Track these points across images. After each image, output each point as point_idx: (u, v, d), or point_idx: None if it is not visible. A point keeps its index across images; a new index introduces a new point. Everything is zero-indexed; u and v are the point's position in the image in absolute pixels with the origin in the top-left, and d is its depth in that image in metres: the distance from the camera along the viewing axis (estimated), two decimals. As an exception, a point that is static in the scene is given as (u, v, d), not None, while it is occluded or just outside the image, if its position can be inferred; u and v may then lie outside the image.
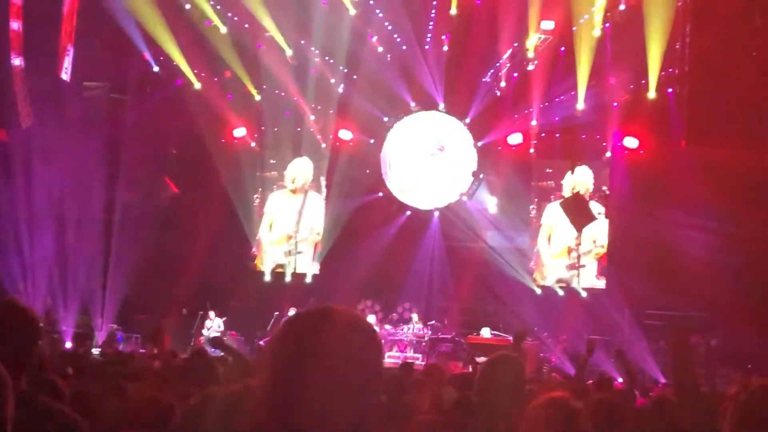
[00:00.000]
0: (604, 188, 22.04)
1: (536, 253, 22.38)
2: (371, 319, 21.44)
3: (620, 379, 17.22)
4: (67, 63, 19.81)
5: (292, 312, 19.77)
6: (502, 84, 22.54)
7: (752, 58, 19.89)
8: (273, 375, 1.85)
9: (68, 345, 18.66)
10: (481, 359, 19.04)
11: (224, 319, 20.83)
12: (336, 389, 1.79)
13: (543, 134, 22.55)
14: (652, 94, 20.94)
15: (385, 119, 23.16)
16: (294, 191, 23.25)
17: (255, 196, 23.41)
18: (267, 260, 23.14)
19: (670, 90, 21.05)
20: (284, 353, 1.84)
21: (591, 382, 12.84)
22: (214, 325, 20.67)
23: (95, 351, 17.56)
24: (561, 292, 22.00)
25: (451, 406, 6.05)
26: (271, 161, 23.54)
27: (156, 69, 22.38)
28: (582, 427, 3.62)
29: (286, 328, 1.91)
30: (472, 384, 8.66)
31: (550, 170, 22.82)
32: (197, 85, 22.46)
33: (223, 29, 22.00)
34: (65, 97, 20.16)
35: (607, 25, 21.03)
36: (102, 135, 21.32)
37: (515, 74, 22.52)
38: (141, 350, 18.74)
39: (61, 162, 20.31)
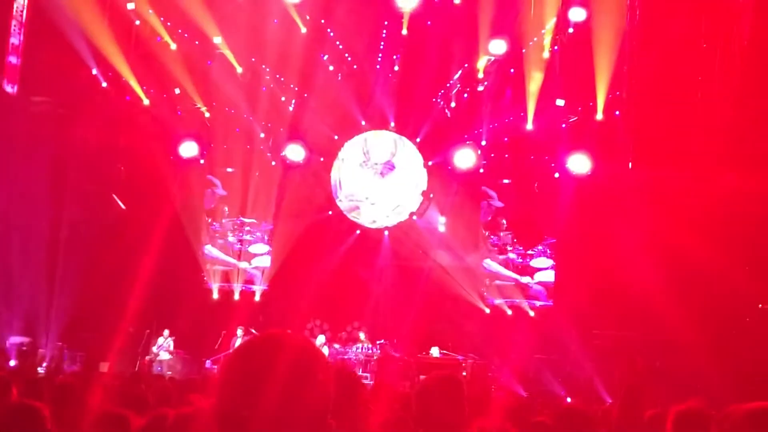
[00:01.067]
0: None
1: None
2: (320, 338, 21.38)
3: (568, 399, 17.39)
4: (13, 77, 19.56)
5: (239, 331, 19.69)
6: (452, 104, 22.69)
7: (698, 82, 20.25)
8: (224, 400, 1.86)
9: (12, 363, 18.38)
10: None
11: (173, 338, 20.62)
12: (286, 415, 1.81)
13: (492, 155, 22.68)
14: (599, 116, 21.18)
15: (336, 137, 23.13)
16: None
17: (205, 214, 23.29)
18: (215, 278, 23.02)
19: (617, 112, 21.31)
20: (235, 379, 1.86)
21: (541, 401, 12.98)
22: (164, 344, 20.46)
23: (40, 369, 17.37)
24: (509, 312, 22.12)
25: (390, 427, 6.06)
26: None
27: (104, 84, 22.15)
28: None
29: (237, 355, 1.93)
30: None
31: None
32: (146, 102, 22.30)
33: (173, 46, 21.91)
34: (11, 112, 19.90)
35: (556, 47, 21.31)
36: (48, 151, 21.06)
37: (465, 95, 22.67)
38: (85, 369, 18.54)
39: (7, 178, 20.02)
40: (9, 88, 19.44)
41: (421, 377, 19.00)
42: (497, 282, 22.55)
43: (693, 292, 19.03)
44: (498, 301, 22.29)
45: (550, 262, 22.19)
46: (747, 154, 19.04)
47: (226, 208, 23.32)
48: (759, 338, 18.80)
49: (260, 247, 23.25)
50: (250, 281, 23.03)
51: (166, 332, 20.53)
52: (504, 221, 22.65)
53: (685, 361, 18.48)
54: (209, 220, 23.30)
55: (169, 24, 21.84)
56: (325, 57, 22.53)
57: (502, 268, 22.57)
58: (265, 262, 23.09)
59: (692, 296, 18.97)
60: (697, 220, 19.22)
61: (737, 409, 2.06)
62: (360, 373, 20.16)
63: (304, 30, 22.02)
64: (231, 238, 23.28)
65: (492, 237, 22.73)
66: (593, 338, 20.21)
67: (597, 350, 19.91)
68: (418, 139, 23.01)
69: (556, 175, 22.08)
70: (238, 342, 19.86)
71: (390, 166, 23.09)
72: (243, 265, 23.12)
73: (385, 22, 22.43)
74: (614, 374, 18.78)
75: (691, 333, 17.84)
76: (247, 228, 23.27)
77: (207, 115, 22.86)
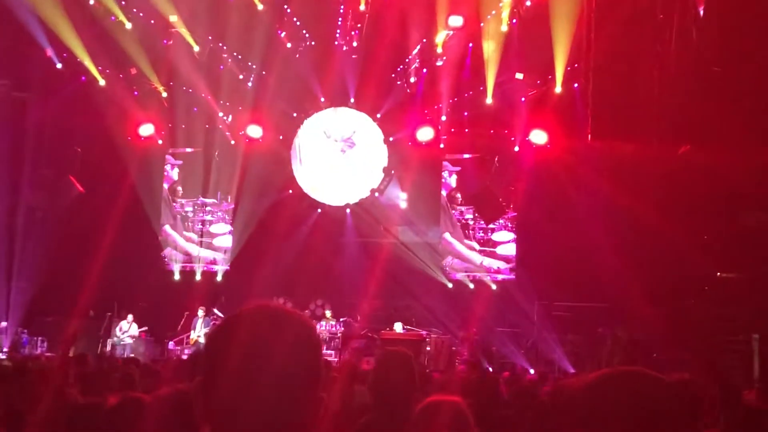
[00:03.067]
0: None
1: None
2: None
3: (531, 371, 17.54)
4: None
5: (200, 312, 19.61)
6: (412, 80, 22.64)
7: (655, 53, 20.32)
8: (210, 375, 1.81)
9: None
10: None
11: (136, 323, 20.49)
12: (277, 387, 1.76)
13: (452, 129, 22.68)
14: (558, 89, 21.23)
15: (295, 115, 23.01)
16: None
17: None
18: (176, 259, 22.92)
19: (575, 85, 21.37)
20: (221, 353, 1.81)
21: (506, 373, 13.09)
22: (128, 329, 20.32)
23: (1, 354, 17.23)
24: (471, 286, 22.21)
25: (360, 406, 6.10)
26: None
27: (59, 66, 21.88)
28: (467, 423, 3.68)
29: (223, 328, 1.87)
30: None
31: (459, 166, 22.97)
32: (102, 82, 22.07)
33: (128, 25, 21.66)
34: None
35: (514, 20, 21.28)
36: (4, 134, 20.83)
37: (424, 70, 22.62)
38: (47, 353, 18.40)
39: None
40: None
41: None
42: (457, 258, 22.59)
43: (652, 263, 19.20)
44: (460, 276, 22.35)
45: (511, 236, 22.27)
46: (703, 127, 19.15)
47: (180, 188, 23.17)
48: (717, 306, 19.02)
49: (221, 227, 23.17)
50: (212, 262, 22.96)
51: (130, 317, 20.37)
52: (459, 195, 22.68)
53: (645, 331, 18.68)
54: (169, 201, 23.12)
55: (123, 3, 21.58)
56: (283, 34, 22.36)
57: (462, 243, 22.62)
58: (227, 242, 23.01)
59: (651, 266, 19.14)
60: (655, 192, 19.37)
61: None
62: (324, 351, 20.21)
63: (260, 7, 21.82)
64: (191, 219, 23.15)
65: (453, 212, 22.74)
66: (555, 310, 20.35)
67: (559, 322, 20.08)
68: (378, 115, 22.95)
69: (516, 148, 22.11)
70: (199, 323, 19.81)
71: (350, 143, 23.03)
72: (204, 252, 23.01)
73: (343, -2, 22.31)
74: (600, 351, 19.04)
75: (650, 303, 18.02)
76: (208, 208, 23.17)
77: (164, 95, 22.63)
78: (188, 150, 23.02)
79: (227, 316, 1.92)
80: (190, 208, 23.19)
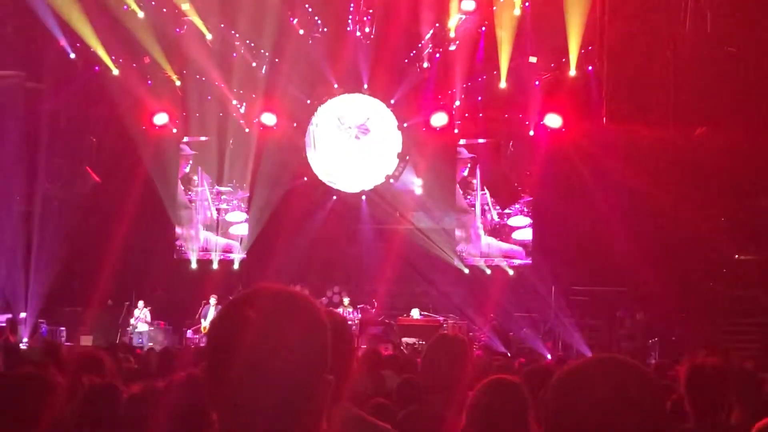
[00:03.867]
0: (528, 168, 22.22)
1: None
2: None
3: (549, 356, 17.55)
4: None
5: (213, 300, 19.68)
6: (425, 65, 22.55)
7: (670, 35, 20.22)
8: (214, 359, 1.79)
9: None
10: (407, 340, 19.25)
11: (149, 308, 20.54)
12: (283, 370, 1.73)
13: (466, 114, 22.62)
14: (572, 72, 21.14)
15: (308, 102, 22.98)
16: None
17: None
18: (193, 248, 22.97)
19: (590, 68, 21.27)
20: (224, 336, 1.79)
21: (522, 360, 13.08)
22: (141, 315, 20.39)
23: (22, 345, 17.31)
24: (488, 271, 22.20)
25: (396, 388, 6.14)
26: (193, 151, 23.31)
27: (72, 56, 21.86)
28: (524, 400, 3.72)
29: (225, 311, 1.85)
30: (406, 365, 8.80)
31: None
32: (115, 72, 22.02)
33: (141, 14, 21.58)
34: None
35: (527, 3, 21.16)
36: (19, 125, 20.86)
37: (437, 55, 22.54)
38: (67, 342, 18.51)
39: (-23, 154, 19.84)
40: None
41: (406, 340, 19.21)
42: (474, 242, 22.59)
43: (670, 245, 19.20)
44: (476, 261, 22.34)
45: (527, 221, 22.23)
46: (719, 108, 19.10)
47: (196, 178, 23.20)
48: (735, 288, 19.00)
49: (237, 215, 23.19)
50: (228, 250, 22.98)
51: (141, 303, 20.42)
52: (474, 181, 22.64)
53: (664, 314, 18.68)
54: (184, 189, 23.17)
55: (135, -9, 21.54)
56: (295, 21, 22.28)
57: (477, 230, 22.62)
58: (243, 230, 23.04)
59: (669, 249, 19.13)
60: (672, 174, 19.34)
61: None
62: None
63: (272, -6, 21.77)
64: (207, 207, 23.19)
65: (468, 197, 22.72)
66: (572, 294, 20.35)
67: (576, 306, 20.08)
68: (392, 101, 22.88)
69: (531, 132, 22.05)
70: (211, 311, 19.86)
71: (364, 129, 22.99)
72: (220, 240, 23.05)
73: (355, -16, 22.23)
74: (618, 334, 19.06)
75: (668, 286, 18.01)
76: (224, 197, 23.18)
77: (178, 83, 22.61)
78: (202, 138, 22.99)
79: (231, 299, 1.91)
80: (206, 197, 23.17)
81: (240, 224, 23.10)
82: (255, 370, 1.73)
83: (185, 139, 23.08)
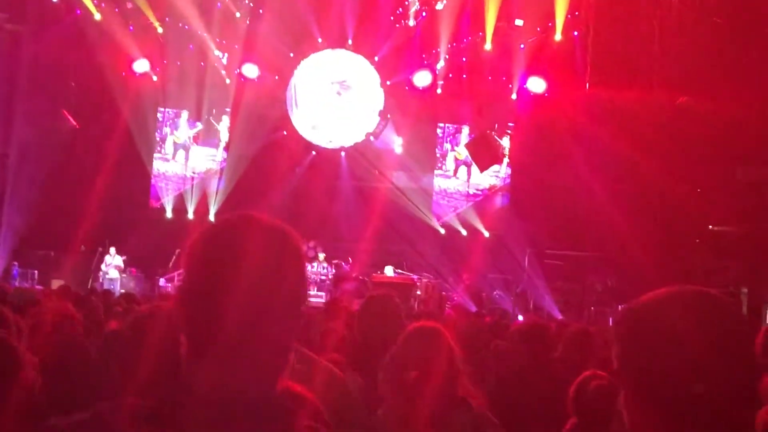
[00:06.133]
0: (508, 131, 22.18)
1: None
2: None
3: (520, 317, 17.59)
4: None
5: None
6: (411, 23, 22.38)
7: (656, 3, 20.12)
8: (192, 282, 1.74)
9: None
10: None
11: (124, 257, 20.44)
12: (260, 296, 1.69)
13: (450, 75, 22.50)
14: (558, 36, 21.06)
15: (291, 55, 22.79)
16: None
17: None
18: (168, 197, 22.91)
19: (575, 33, 21.18)
20: (202, 262, 1.74)
21: (488, 318, 13.09)
22: (113, 262, 20.30)
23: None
24: (464, 232, 22.20)
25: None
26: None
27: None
28: (446, 344, 3.65)
29: (207, 234, 1.78)
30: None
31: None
32: (97, 16, 21.75)
33: (125, -41, 21.34)
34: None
35: (516, -34, 21.03)
36: (-2, 67, 20.65)
37: (424, 13, 22.36)
38: (37, 286, 18.44)
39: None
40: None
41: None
42: (450, 201, 22.61)
43: (646, 213, 19.23)
44: (452, 222, 22.35)
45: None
46: (703, 77, 19.04)
47: (167, 130, 23.11)
48: (708, 258, 19.05)
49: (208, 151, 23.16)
50: (203, 200, 22.86)
51: (113, 250, 20.29)
52: (455, 143, 22.63)
53: (637, 281, 18.71)
54: (161, 137, 23.08)
55: (120, -64, 21.26)
56: (281, -28, 22.05)
57: (459, 189, 22.63)
58: (209, 164, 22.95)
59: (645, 217, 19.16)
60: (653, 142, 19.30)
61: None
62: (315, 292, 20.26)
63: (259, -57, 21.53)
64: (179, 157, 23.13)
65: (448, 158, 22.69)
66: (547, 258, 20.38)
67: (550, 269, 20.12)
68: (375, 58, 22.72)
69: (514, 96, 21.98)
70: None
71: (346, 86, 22.84)
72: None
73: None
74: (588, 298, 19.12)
75: (642, 253, 18.03)
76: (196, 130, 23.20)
77: (160, 30, 22.36)
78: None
79: (208, 224, 1.86)
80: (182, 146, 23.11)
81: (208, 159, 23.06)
82: (224, 293, 1.67)
83: (164, 86, 22.83)
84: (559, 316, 17.68)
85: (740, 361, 1.78)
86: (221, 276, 1.69)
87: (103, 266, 20.16)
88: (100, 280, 19.83)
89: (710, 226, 19.47)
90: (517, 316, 18.09)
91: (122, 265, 20.25)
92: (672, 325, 1.79)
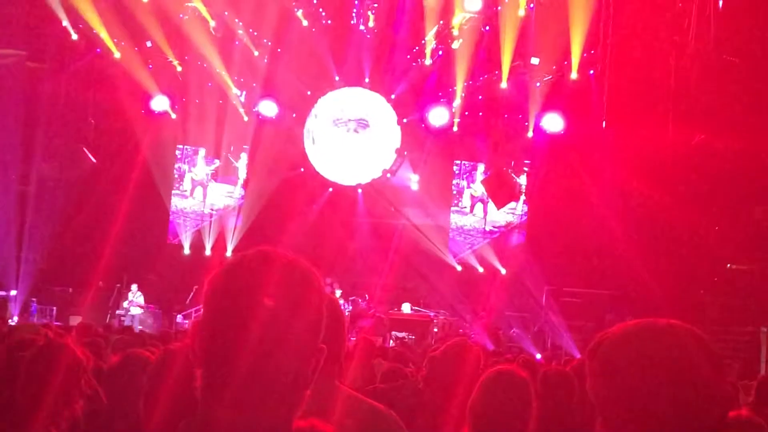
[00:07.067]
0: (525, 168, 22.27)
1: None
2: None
3: (538, 356, 17.51)
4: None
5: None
6: (428, 62, 22.53)
7: (672, 42, 20.23)
8: (206, 317, 1.75)
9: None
10: (399, 334, 19.23)
11: (141, 293, 20.48)
12: (276, 335, 1.69)
13: (466, 113, 22.61)
14: (574, 75, 21.14)
15: (309, 93, 22.95)
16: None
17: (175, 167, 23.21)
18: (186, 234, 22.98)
19: (591, 71, 21.27)
20: (219, 297, 1.75)
21: (509, 356, 13.04)
22: (135, 299, 20.34)
23: (12, 322, 17.26)
24: (481, 269, 22.20)
25: (384, 375, 6.15)
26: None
27: (75, 37, 21.77)
28: (529, 395, 3.68)
29: (221, 270, 1.79)
30: (395, 357, 8.84)
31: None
32: (117, 55, 21.94)
33: (145, -2, 21.55)
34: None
35: (532, 5, 21.16)
36: (18, 104, 20.80)
37: (440, 52, 22.52)
38: (55, 322, 18.44)
39: (-25, 131, 19.80)
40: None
41: (397, 334, 19.21)
42: (466, 238, 22.64)
43: (663, 252, 19.21)
44: (469, 259, 22.35)
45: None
46: (719, 117, 19.09)
47: (185, 167, 23.23)
48: (726, 297, 18.99)
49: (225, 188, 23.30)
50: (221, 237, 22.92)
51: (134, 287, 20.36)
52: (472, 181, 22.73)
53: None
54: (179, 174, 23.22)
55: (139, -25, 21.48)
56: (299, 12, 22.25)
57: (475, 227, 22.66)
58: (229, 200, 23.14)
59: (662, 255, 19.14)
60: (669, 180, 19.34)
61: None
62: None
63: (277, -17, 21.74)
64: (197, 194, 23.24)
65: (465, 195, 22.76)
66: (564, 296, 20.34)
67: (567, 307, 20.07)
68: (392, 96, 22.86)
69: (530, 134, 22.06)
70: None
71: (364, 123, 22.96)
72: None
73: (360, -23, 22.21)
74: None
75: (660, 292, 17.99)
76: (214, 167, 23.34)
77: (179, 69, 22.56)
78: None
79: (228, 259, 1.87)
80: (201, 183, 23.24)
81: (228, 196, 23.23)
82: (241, 328, 1.69)
83: (183, 125, 23.00)
84: (578, 355, 17.59)
85: (704, 391, 1.83)
86: (237, 311, 1.70)
87: (125, 303, 20.20)
88: (123, 317, 19.87)
89: (728, 265, 19.43)
90: (535, 354, 18.03)
91: (143, 303, 20.29)
92: (638, 358, 1.85)
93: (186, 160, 23.39)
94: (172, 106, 22.64)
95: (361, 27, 22.50)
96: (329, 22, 22.53)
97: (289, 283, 1.76)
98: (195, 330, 1.81)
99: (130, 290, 20.42)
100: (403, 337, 18.95)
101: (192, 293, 20.15)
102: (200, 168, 23.33)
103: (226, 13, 22.06)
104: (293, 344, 1.73)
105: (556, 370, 6.32)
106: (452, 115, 22.32)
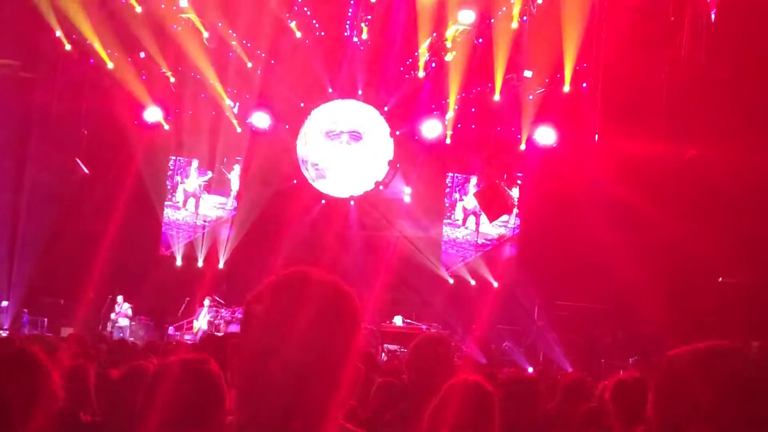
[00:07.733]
0: (518, 181, 22.27)
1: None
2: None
3: (530, 369, 17.52)
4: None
5: (207, 301, 19.57)
6: (420, 74, 22.56)
7: (665, 55, 20.28)
8: (243, 338, 1.79)
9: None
10: (389, 347, 19.22)
11: (132, 305, 20.43)
12: (307, 351, 1.72)
13: (459, 125, 22.63)
14: (567, 87, 21.17)
15: (302, 105, 22.97)
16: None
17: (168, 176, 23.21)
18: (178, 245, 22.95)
19: (584, 84, 21.31)
20: (253, 316, 1.79)
21: (505, 370, 13.07)
22: (122, 310, 20.30)
23: (2, 333, 17.24)
24: (473, 282, 22.19)
25: (378, 388, 6.12)
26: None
27: (68, 47, 21.75)
28: (493, 410, 3.65)
29: (260, 290, 1.83)
30: (388, 371, 8.84)
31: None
32: (110, 65, 21.93)
33: (139, 8, 21.52)
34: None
35: (525, 18, 21.19)
36: (11, 114, 20.79)
37: (433, 64, 22.55)
38: (47, 333, 18.39)
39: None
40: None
41: (388, 346, 19.19)
42: (458, 251, 22.64)
43: (655, 264, 19.19)
44: (461, 272, 22.35)
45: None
46: (711, 131, 19.12)
47: (178, 178, 23.22)
48: (717, 311, 18.98)
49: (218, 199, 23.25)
50: (214, 249, 22.91)
51: (120, 298, 20.33)
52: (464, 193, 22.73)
53: (646, 333, 18.65)
54: (172, 185, 23.19)
55: (134, -14, 21.49)
56: (293, 23, 22.28)
57: (467, 239, 22.65)
58: (221, 212, 23.05)
59: (654, 268, 19.12)
60: (662, 193, 19.35)
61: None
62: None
63: (271, -5, 21.76)
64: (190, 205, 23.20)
65: (457, 208, 22.76)
66: (556, 309, 20.34)
67: (560, 321, 20.07)
68: (385, 108, 22.90)
69: (522, 146, 22.07)
70: (204, 312, 19.79)
71: (356, 136, 22.98)
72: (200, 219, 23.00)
73: (354, -11, 22.25)
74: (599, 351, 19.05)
75: (651, 305, 18.00)
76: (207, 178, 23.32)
77: (172, 80, 22.58)
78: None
79: (267, 279, 1.88)
80: (193, 194, 23.21)
81: (221, 207, 23.16)
82: (279, 349, 1.72)
83: (177, 135, 22.99)
84: (570, 369, 17.61)
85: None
86: (271, 330, 1.74)
87: (112, 315, 20.16)
88: (109, 328, 19.83)
89: (720, 278, 19.44)
90: (527, 368, 18.04)
91: (131, 313, 20.24)
92: (703, 378, 1.86)
93: (179, 172, 23.37)
94: (165, 118, 22.62)
95: (355, 39, 22.52)
96: (323, 34, 22.55)
97: (323, 302, 1.79)
98: (233, 351, 1.83)
99: (116, 301, 20.38)
100: (395, 350, 18.93)
101: (184, 305, 20.13)
102: (193, 179, 23.31)
103: (219, 24, 22.06)
104: (330, 368, 1.75)
105: (516, 376, 6.34)
106: (445, 128, 22.32)
